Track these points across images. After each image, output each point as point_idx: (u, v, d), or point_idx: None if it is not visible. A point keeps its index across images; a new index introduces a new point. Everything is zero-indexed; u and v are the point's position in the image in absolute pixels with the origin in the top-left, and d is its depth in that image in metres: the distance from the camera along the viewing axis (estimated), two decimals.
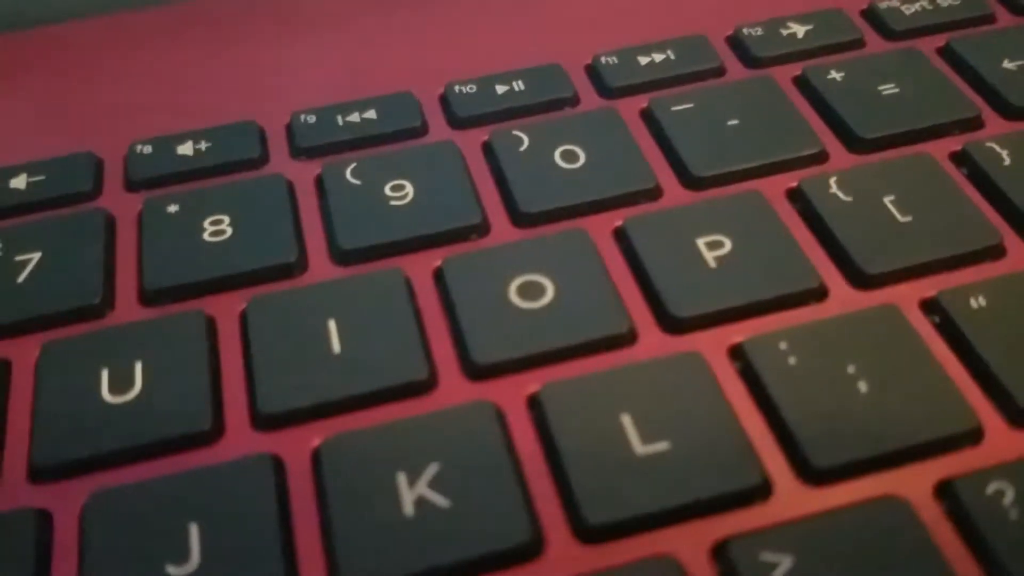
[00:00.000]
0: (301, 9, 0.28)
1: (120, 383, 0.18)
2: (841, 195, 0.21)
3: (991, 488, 0.16)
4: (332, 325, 0.19)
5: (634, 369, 0.18)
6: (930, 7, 0.26)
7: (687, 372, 0.18)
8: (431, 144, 0.23)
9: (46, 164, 0.23)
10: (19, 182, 0.23)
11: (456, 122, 0.24)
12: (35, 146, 0.24)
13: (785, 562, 0.16)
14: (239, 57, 0.26)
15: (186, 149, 0.23)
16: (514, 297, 0.20)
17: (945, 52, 0.25)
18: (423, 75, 0.25)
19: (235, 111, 0.24)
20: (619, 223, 0.21)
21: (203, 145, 0.23)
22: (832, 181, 0.21)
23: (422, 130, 0.24)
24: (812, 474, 0.17)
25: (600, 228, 0.21)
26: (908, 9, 0.26)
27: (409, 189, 0.22)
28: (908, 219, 0.21)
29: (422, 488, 0.17)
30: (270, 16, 0.28)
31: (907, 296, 0.19)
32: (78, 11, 0.28)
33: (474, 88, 0.24)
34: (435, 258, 0.21)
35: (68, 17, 0.28)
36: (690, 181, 0.22)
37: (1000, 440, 0.17)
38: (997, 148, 0.22)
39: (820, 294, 0.19)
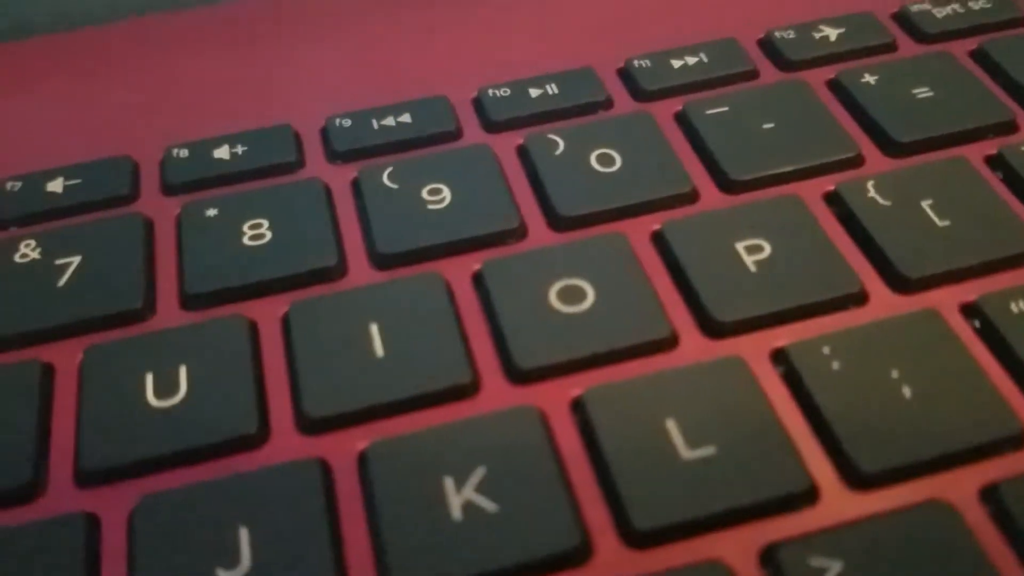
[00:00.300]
0: (333, 13, 0.28)
1: (165, 387, 0.19)
2: (879, 199, 0.21)
3: None
4: (374, 329, 0.19)
5: (677, 373, 0.18)
6: (961, 10, 0.26)
7: (730, 376, 0.18)
8: (466, 147, 0.23)
9: (82, 168, 0.23)
10: (56, 186, 0.23)
11: (490, 126, 0.24)
12: (71, 150, 0.24)
13: (834, 567, 0.16)
14: (272, 61, 0.26)
15: (222, 153, 0.23)
16: (554, 301, 0.20)
17: (977, 55, 0.25)
18: (456, 79, 0.25)
19: (269, 115, 0.24)
20: (657, 227, 0.21)
21: (239, 149, 0.23)
22: (870, 185, 0.21)
23: (456, 134, 0.24)
24: (858, 479, 0.17)
25: (638, 232, 0.21)
26: (939, 12, 0.26)
27: (446, 193, 0.22)
28: (946, 223, 0.21)
29: (469, 492, 0.17)
30: (303, 19, 0.28)
31: (947, 300, 0.19)
32: (113, 14, 0.28)
33: (507, 92, 0.24)
34: (473, 262, 0.21)
35: (103, 20, 0.28)
36: (727, 184, 0.22)
37: None
38: None
39: (861, 299, 0.19)
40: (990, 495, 0.17)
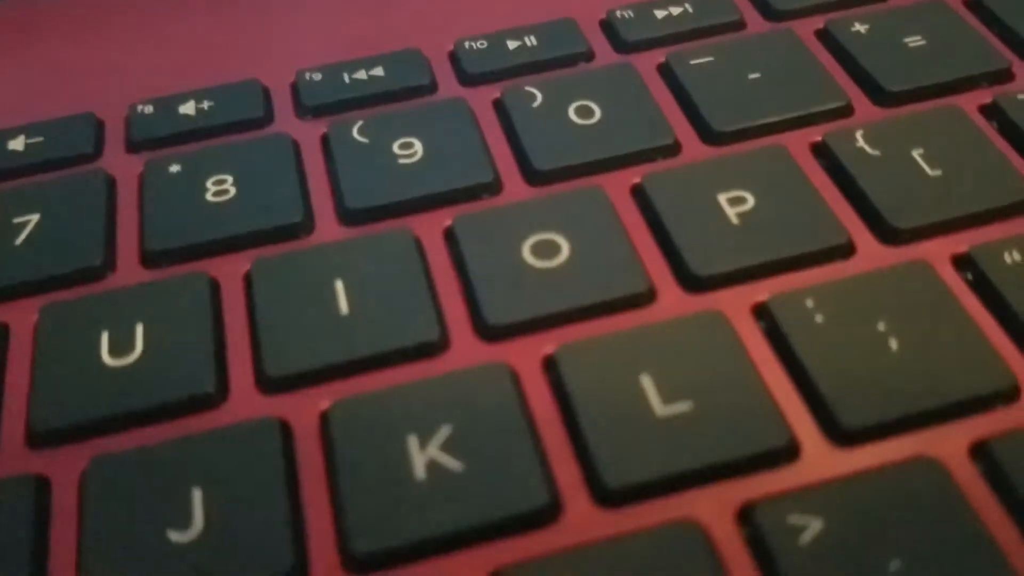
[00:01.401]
0: None
1: (121, 346, 0.18)
2: (868, 149, 0.20)
3: None
4: (339, 286, 0.19)
5: (654, 329, 0.18)
6: None
7: (709, 331, 0.17)
8: (441, 101, 0.22)
9: (45, 125, 0.22)
10: (17, 144, 0.22)
11: (466, 79, 0.23)
12: (33, 108, 0.23)
13: (814, 525, 0.15)
14: (240, 15, 0.25)
15: (188, 109, 0.22)
16: (528, 256, 0.19)
17: (973, 3, 0.24)
18: (432, 32, 0.24)
19: (237, 70, 0.24)
20: (637, 180, 0.20)
21: (205, 105, 0.22)
22: (859, 135, 0.20)
23: (431, 88, 0.23)
24: (841, 435, 0.16)
25: (617, 185, 0.20)
26: None
27: (418, 147, 0.21)
28: (938, 173, 0.20)
29: (433, 451, 0.16)
30: None
31: (938, 252, 0.19)
32: None
33: (484, 44, 0.24)
34: (445, 217, 0.20)
35: None
36: (710, 136, 0.21)
37: None
38: None
39: (847, 251, 0.19)
40: (981, 452, 0.16)
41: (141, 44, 0.25)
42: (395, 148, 0.21)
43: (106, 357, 0.18)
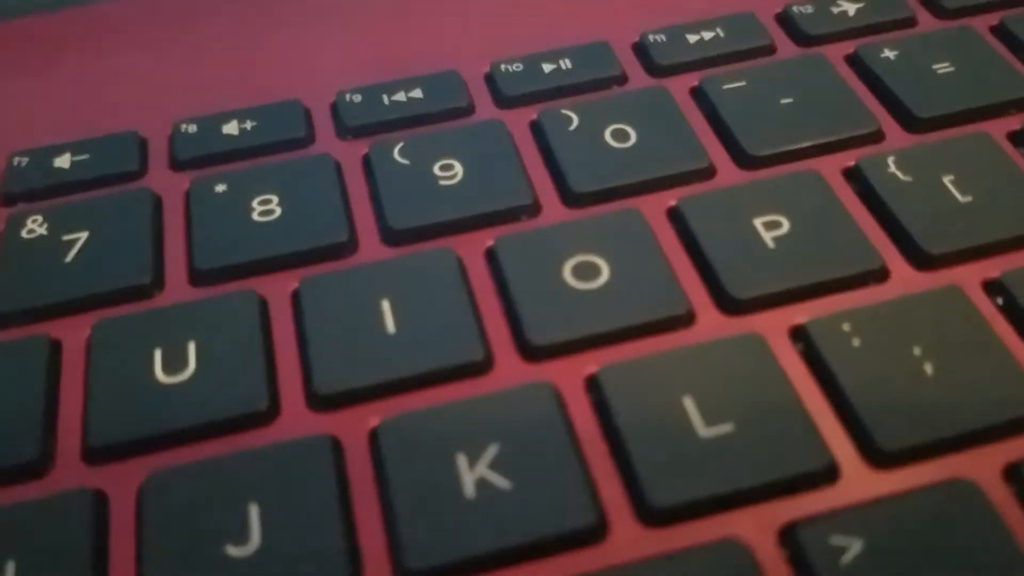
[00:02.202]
0: None
1: (174, 363, 0.18)
2: (900, 174, 0.21)
3: None
4: (386, 305, 0.19)
5: (694, 350, 0.18)
6: None
7: (748, 353, 0.18)
8: (479, 123, 0.23)
9: (90, 143, 0.23)
10: (63, 161, 0.23)
11: (503, 101, 0.23)
12: (78, 125, 0.24)
13: (855, 546, 0.15)
14: (281, 36, 0.26)
15: (231, 128, 0.23)
16: (569, 277, 0.19)
17: (999, 30, 0.24)
18: (469, 54, 0.25)
19: (279, 91, 0.24)
20: (673, 203, 0.21)
21: (248, 124, 0.23)
22: (890, 160, 0.21)
23: (468, 109, 0.23)
24: (879, 457, 0.16)
25: (653, 208, 0.21)
26: None
27: (458, 168, 0.22)
28: (968, 199, 0.20)
29: (483, 469, 0.17)
30: None
31: (970, 277, 0.19)
32: None
33: (520, 67, 0.24)
34: (486, 238, 0.20)
35: None
36: (744, 160, 0.21)
37: None
38: None
39: (881, 275, 0.19)
40: (1014, 473, 0.16)
41: (184, 63, 0.25)
42: (435, 169, 0.22)
43: (160, 374, 0.18)
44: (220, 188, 0.21)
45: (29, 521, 0.16)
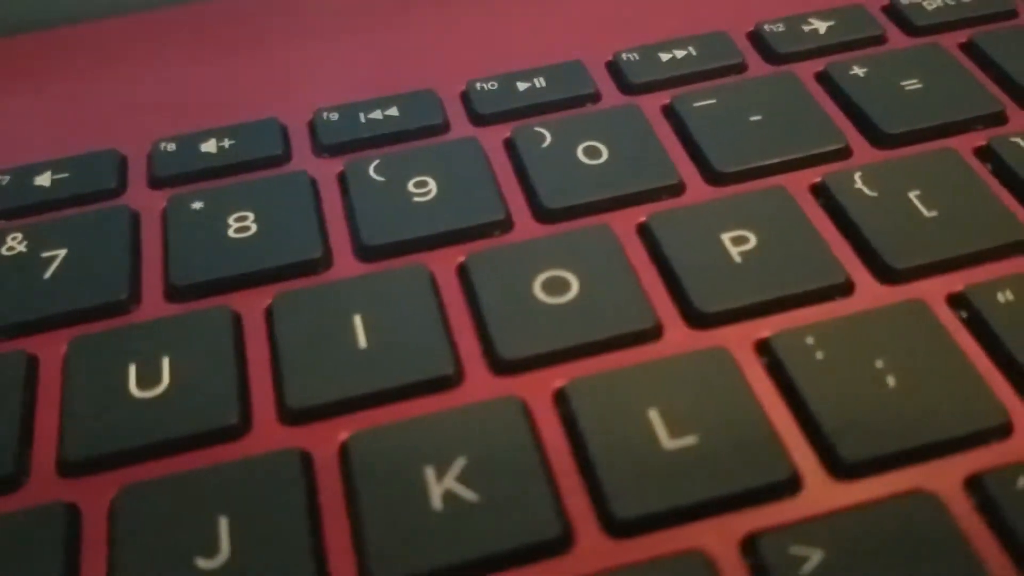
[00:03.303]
0: (321, 7, 0.28)
1: (148, 378, 0.18)
2: (866, 190, 0.21)
3: (1022, 482, 0.16)
4: (358, 320, 0.19)
5: (660, 364, 0.18)
6: (952, 3, 0.26)
7: (714, 367, 0.18)
8: (453, 141, 0.23)
9: (70, 161, 0.23)
10: (43, 179, 0.23)
11: (478, 119, 0.24)
12: (58, 144, 0.24)
13: (815, 556, 0.16)
14: (259, 56, 0.26)
15: (209, 147, 0.23)
16: (539, 292, 0.20)
17: (968, 48, 0.25)
18: (444, 73, 0.25)
19: (256, 109, 0.24)
20: (643, 219, 0.21)
21: (226, 143, 0.23)
22: (857, 176, 0.21)
23: (444, 127, 0.24)
24: (841, 468, 0.17)
25: (623, 224, 0.21)
26: (930, 5, 0.26)
27: (432, 185, 0.22)
28: (934, 214, 0.20)
29: (450, 482, 0.17)
30: (290, 15, 0.28)
31: (934, 291, 0.19)
32: (99, 11, 0.28)
33: (495, 85, 0.24)
34: (458, 254, 0.21)
35: (89, 17, 0.28)
36: (713, 177, 0.22)
37: None
38: (1022, 143, 0.22)
39: (846, 289, 0.19)
40: (975, 486, 0.16)
41: (163, 83, 0.26)
42: (410, 186, 0.22)
43: (134, 389, 0.18)
44: (197, 205, 0.22)
45: (4, 534, 0.17)
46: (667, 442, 0.17)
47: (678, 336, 0.19)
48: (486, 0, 0.28)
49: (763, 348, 0.18)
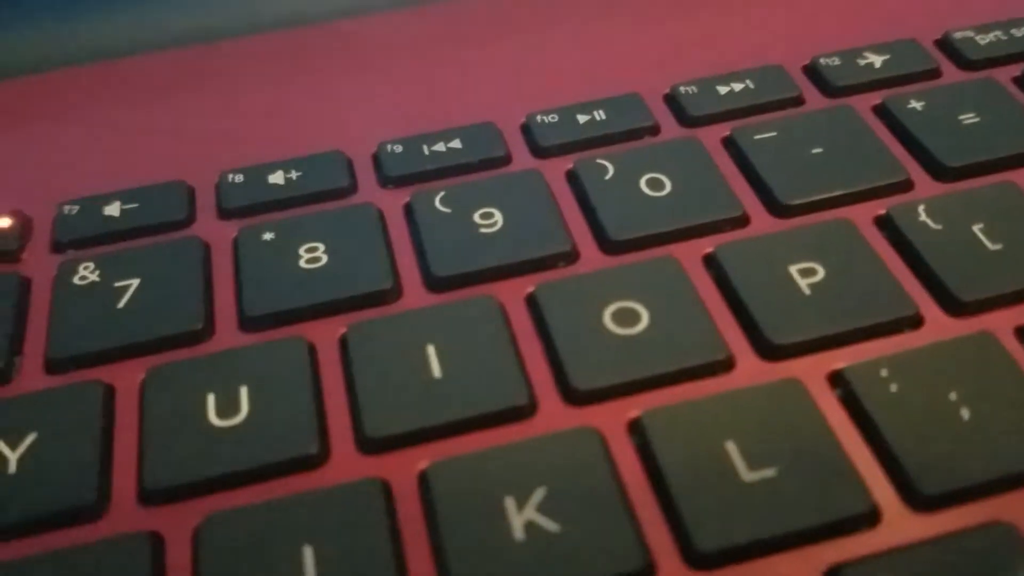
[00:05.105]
0: (383, 42, 0.28)
1: (227, 407, 0.19)
2: (930, 223, 0.21)
3: None
4: (431, 351, 0.19)
5: (734, 395, 0.18)
6: (1004, 37, 0.26)
7: (788, 399, 0.18)
8: (517, 173, 0.23)
9: (139, 192, 0.24)
10: (113, 209, 0.23)
11: (539, 151, 0.24)
12: (125, 175, 0.24)
13: None
14: (322, 88, 0.27)
15: (277, 178, 0.24)
16: (609, 323, 0.20)
17: (1022, 81, 0.25)
18: (504, 106, 0.25)
19: (321, 141, 0.25)
20: (709, 250, 0.21)
21: (293, 174, 0.24)
22: (921, 208, 0.21)
23: (506, 159, 0.24)
24: (919, 501, 0.17)
25: (689, 255, 0.21)
26: (983, 39, 0.26)
27: (498, 217, 0.22)
28: (998, 247, 0.21)
29: (531, 512, 0.17)
30: (352, 49, 0.28)
31: (1002, 323, 0.19)
32: (163, 44, 0.28)
33: (555, 118, 0.25)
34: (526, 285, 0.21)
35: (154, 49, 0.28)
36: (777, 209, 0.22)
37: None
38: None
39: (916, 322, 0.20)
40: None
41: (229, 115, 0.26)
42: (476, 217, 0.22)
43: (213, 418, 0.19)
44: (268, 236, 0.22)
45: (87, 564, 0.17)
46: (746, 474, 0.17)
47: (750, 367, 0.19)
48: (541, 34, 0.28)
49: (836, 380, 0.19)
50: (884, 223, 0.22)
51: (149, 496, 0.18)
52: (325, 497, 0.17)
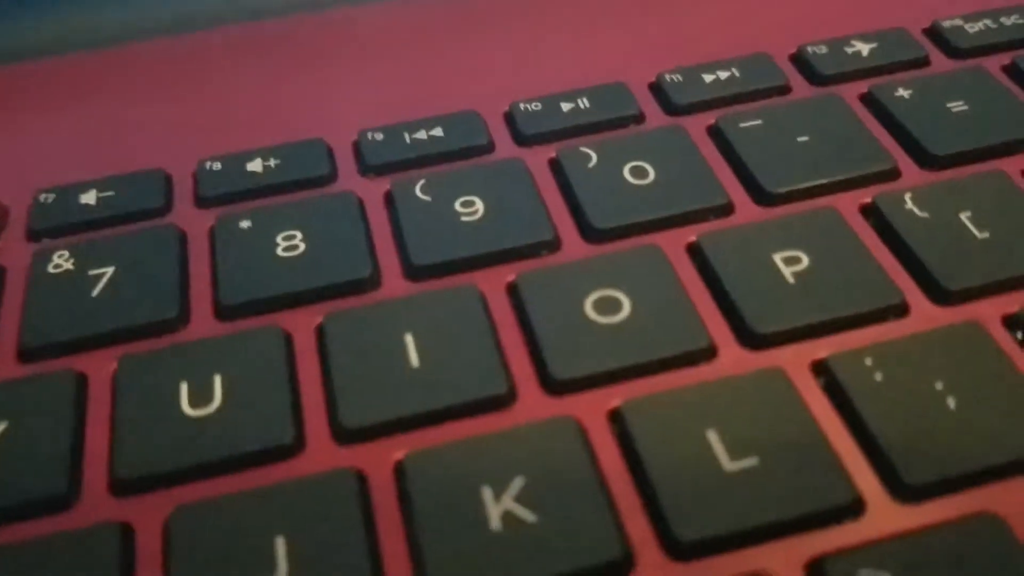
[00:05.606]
0: (365, 30, 0.28)
1: (200, 397, 0.18)
2: (917, 211, 0.21)
3: None
4: (409, 340, 0.19)
5: (716, 385, 0.18)
6: (994, 26, 0.26)
7: (771, 388, 0.18)
8: (499, 161, 0.23)
9: (115, 180, 0.23)
10: (89, 198, 0.23)
11: (522, 140, 0.24)
12: (102, 163, 0.24)
13: None
14: (303, 76, 0.26)
15: (255, 166, 0.23)
16: (590, 312, 0.19)
17: (1011, 70, 0.25)
18: (488, 94, 0.25)
19: (301, 130, 0.24)
20: (693, 239, 0.21)
21: (272, 162, 0.23)
22: (907, 197, 0.21)
23: (489, 148, 0.24)
24: (904, 491, 0.17)
25: (673, 244, 0.21)
26: (972, 27, 0.26)
27: (479, 205, 0.22)
28: (986, 235, 0.20)
29: (508, 503, 0.17)
30: (334, 36, 0.28)
31: (989, 312, 0.19)
32: (144, 33, 0.28)
33: (539, 106, 0.24)
34: (507, 274, 0.21)
35: (134, 39, 0.28)
36: (762, 197, 0.22)
37: None
38: None
39: (901, 310, 0.19)
40: None
41: (208, 103, 0.26)
42: (457, 206, 0.22)
43: (186, 407, 0.18)
44: (245, 224, 0.22)
45: (57, 554, 0.16)
46: (728, 464, 0.17)
47: (732, 357, 0.19)
48: (528, 23, 0.28)
49: (820, 369, 0.18)
50: (870, 212, 0.21)
51: (120, 486, 0.17)
52: (299, 488, 0.17)
